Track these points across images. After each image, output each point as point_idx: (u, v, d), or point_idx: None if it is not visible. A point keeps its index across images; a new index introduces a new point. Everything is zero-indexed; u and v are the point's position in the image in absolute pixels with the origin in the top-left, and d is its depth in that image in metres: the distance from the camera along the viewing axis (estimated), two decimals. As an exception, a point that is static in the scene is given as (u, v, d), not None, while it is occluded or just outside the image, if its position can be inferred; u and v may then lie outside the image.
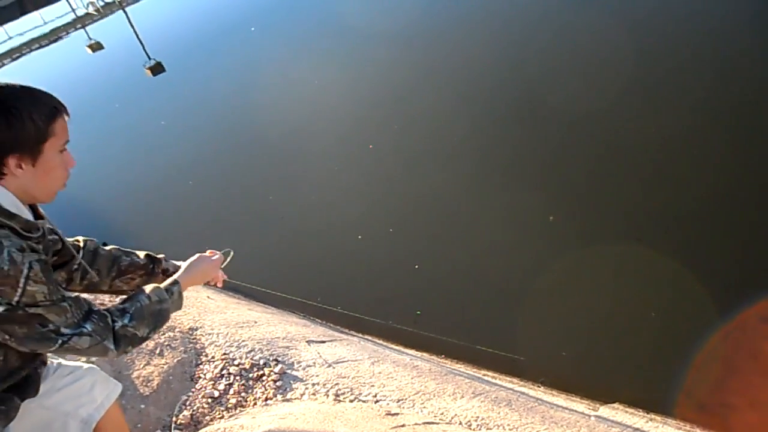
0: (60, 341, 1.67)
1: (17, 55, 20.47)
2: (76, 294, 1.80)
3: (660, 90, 7.37)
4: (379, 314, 5.80)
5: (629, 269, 5.54)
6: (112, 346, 1.79)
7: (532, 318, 5.35)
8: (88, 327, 1.72)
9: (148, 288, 2.03)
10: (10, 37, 21.20)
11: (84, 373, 2.36)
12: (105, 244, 2.45)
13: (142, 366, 4.22)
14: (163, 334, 4.58)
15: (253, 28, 15.98)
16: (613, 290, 5.44)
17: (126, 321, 1.84)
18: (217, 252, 2.41)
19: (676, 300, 5.14)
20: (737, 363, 4.69)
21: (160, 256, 2.54)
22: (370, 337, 5.34)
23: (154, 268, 2.42)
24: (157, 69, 15.32)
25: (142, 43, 16.28)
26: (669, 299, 5.18)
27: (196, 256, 2.33)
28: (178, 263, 2.47)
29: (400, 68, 10.77)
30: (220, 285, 2.52)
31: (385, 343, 5.24)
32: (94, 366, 2.51)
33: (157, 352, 4.38)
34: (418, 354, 5.02)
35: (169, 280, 2.15)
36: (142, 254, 2.46)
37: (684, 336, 4.84)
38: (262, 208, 8.48)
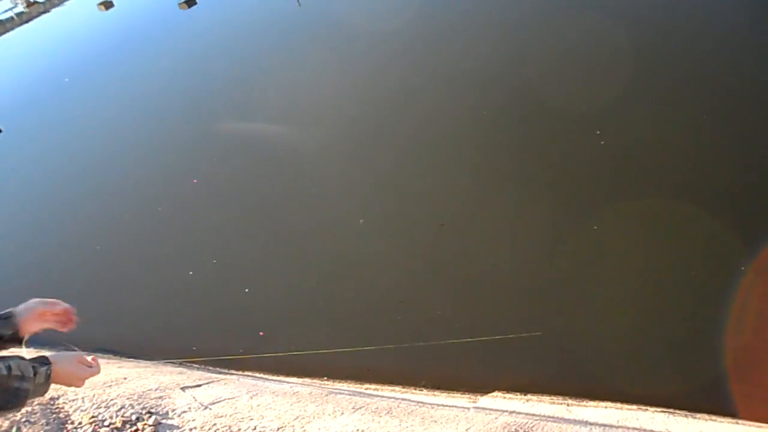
0: None
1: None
2: None
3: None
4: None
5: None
6: None
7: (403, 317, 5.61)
8: None
9: (9, 355, 1.59)
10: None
11: None
12: None
13: (-4, 451, 3.88)
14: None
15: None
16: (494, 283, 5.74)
17: None
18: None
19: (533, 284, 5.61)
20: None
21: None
22: (249, 373, 5.31)
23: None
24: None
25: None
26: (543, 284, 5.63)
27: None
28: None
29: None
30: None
31: (264, 376, 5.23)
32: None
33: (13, 431, 4.04)
34: (299, 380, 5.08)
35: (39, 356, 1.68)
36: None
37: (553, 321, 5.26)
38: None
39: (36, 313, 1.87)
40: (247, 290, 6.54)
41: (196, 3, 18.17)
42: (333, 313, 6.02)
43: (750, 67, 6.91)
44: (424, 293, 5.91)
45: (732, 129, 6.28)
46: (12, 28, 20.79)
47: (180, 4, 17.96)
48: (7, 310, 1.85)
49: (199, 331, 6.39)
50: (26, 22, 21.14)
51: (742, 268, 4.84)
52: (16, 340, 1.83)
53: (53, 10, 22.39)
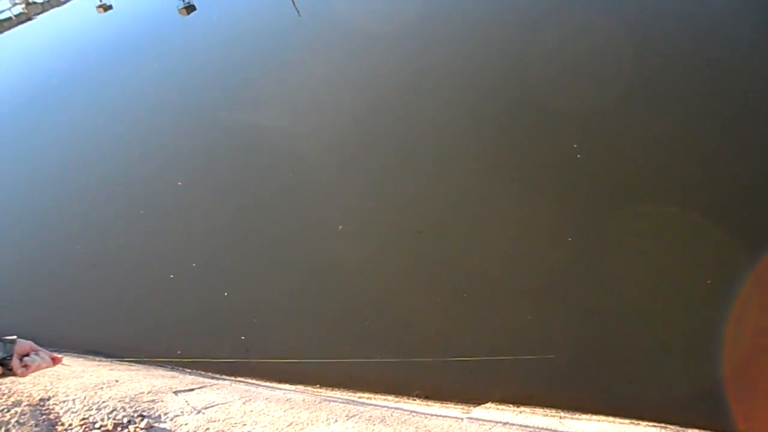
0: None
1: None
2: None
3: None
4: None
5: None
6: None
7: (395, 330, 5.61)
8: None
9: None
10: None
11: None
12: None
13: (-16, 452, 3.83)
14: (8, 410, 4.19)
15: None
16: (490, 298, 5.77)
17: None
18: None
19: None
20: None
21: None
22: (242, 378, 5.29)
23: None
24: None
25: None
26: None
27: None
28: None
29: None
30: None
31: (256, 382, 5.21)
32: None
33: (2, 431, 3.99)
34: (292, 387, 5.06)
35: None
36: None
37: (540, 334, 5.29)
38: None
39: (29, 345, 2.03)
40: (226, 294, 6.59)
41: (195, 9, 18.30)
42: (311, 318, 6.06)
43: (750, 75, 6.96)
44: (402, 300, 5.94)
45: (731, 134, 6.31)
46: (9, 28, 20.82)
47: (179, 9, 18.06)
48: (12, 336, 2.03)
49: (182, 335, 6.40)
50: (23, 22, 21.16)
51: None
52: (4, 365, 1.96)
53: (51, 11, 22.44)
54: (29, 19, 21.26)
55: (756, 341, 4.53)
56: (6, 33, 21.18)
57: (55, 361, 2.14)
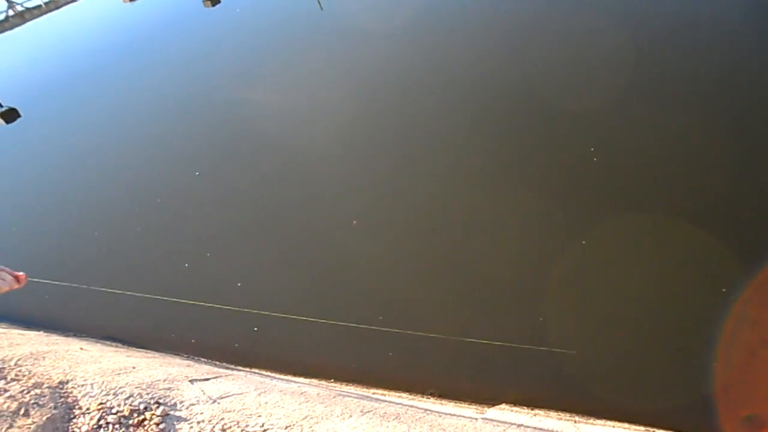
0: None
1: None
2: None
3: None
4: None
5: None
6: None
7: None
8: None
9: None
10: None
11: None
12: None
13: (3, 430, 3.88)
14: (28, 392, 4.25)
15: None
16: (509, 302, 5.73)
17: None
18: None
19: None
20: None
21: None
22: (257, 370, 5.31)
23: None
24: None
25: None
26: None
27: None
28: None
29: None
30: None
31: (272, 374, 5.23)
32: None
33: (22, 412, 4.04)
34: (306, 380, 5.07)
35: None
36: None
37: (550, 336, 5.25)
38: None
39: None
40: (239, 284, 6.66)
41: (219, 1, 18.42)
42: (323, 312, 6.02)
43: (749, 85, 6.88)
44: (414, 297, 5.95)
45: (732, 144, 6.25)
46: (38, 16, 21.15)
47: (204, 1, 18.18)
48: None
49: (195, 323, 6.45)
50: (53, 10, 21.50)
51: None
52: None
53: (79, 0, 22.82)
54: (58, 7, 21.63)
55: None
56: (35, 21, 21.54)
57: (20, 280, 2.10)
